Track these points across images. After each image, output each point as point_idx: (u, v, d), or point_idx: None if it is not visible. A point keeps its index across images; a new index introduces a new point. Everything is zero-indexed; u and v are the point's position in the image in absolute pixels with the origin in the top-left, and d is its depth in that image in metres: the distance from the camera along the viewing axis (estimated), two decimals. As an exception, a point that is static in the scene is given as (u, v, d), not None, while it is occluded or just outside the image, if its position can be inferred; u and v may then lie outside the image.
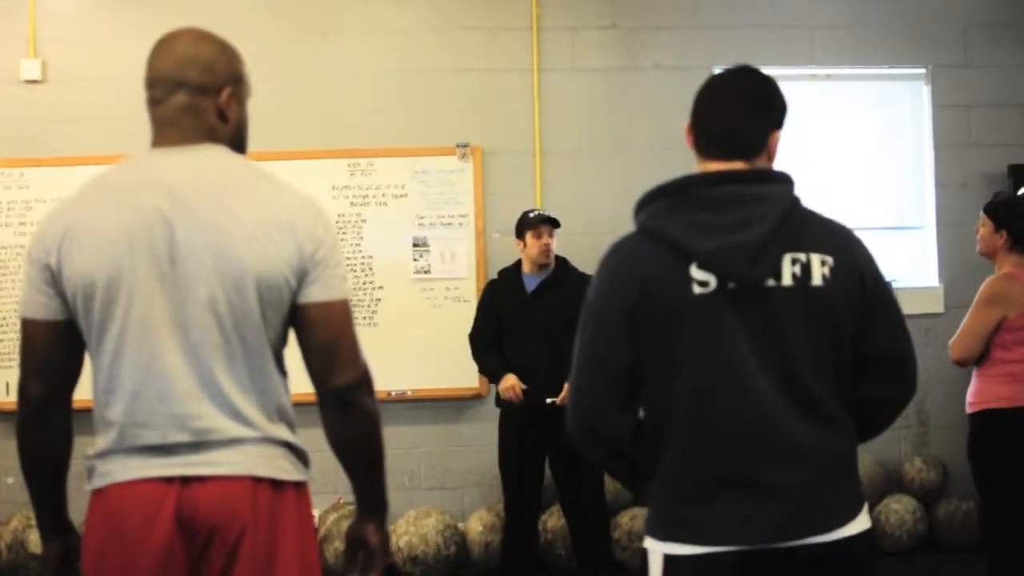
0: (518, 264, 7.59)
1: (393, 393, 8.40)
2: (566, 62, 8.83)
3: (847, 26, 9.00)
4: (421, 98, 8.71)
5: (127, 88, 7.63)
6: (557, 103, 8.82)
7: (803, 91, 9.11)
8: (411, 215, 8.62)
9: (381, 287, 8.50)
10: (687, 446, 3.08)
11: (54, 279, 3.05)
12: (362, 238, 8.49)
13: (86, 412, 3.12)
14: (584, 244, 8.20)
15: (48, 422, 3.17)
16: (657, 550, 3.14)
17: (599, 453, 3.30)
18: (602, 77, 8.87)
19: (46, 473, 3.25)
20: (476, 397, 8.59)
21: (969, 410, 6.08)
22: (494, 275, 8.10)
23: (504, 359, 7.56)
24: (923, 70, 9.15)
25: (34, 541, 7.89)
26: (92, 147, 8.19)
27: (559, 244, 7.56)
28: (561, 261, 7.54)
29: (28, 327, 3.12)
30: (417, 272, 8.60)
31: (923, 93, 9.19)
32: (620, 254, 3.25)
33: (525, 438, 7.36)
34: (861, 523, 3.12)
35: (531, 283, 7.47)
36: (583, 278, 7.37)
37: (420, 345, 8.40)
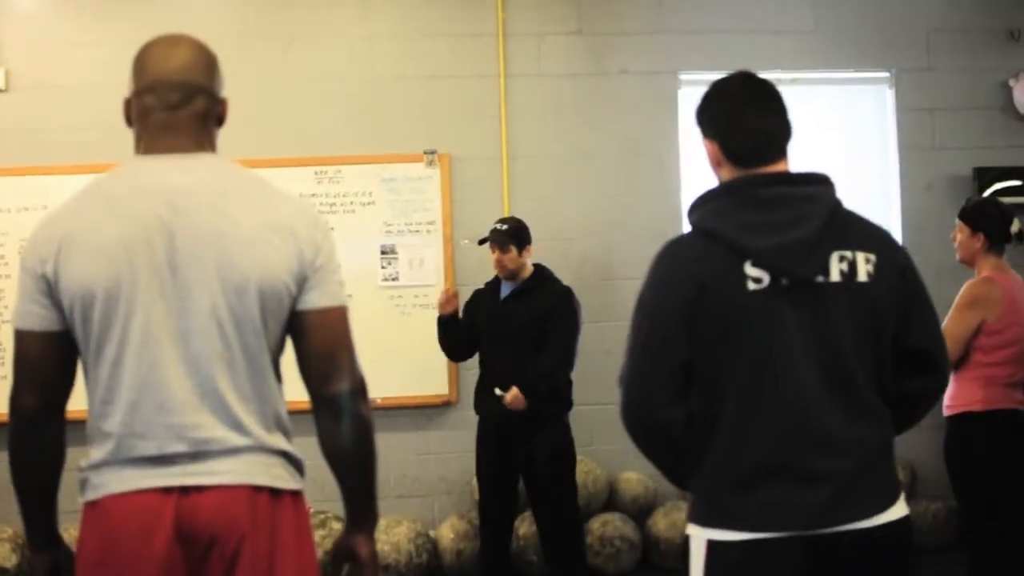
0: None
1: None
2: (533, 68, 8.84)
3: (812, 31, 9.05)
4: (388, 105, 8.71)
5: (92, 97, 7.62)
6: (524, 109, 8.82)
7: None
8: (379, 222, 8.62)
9: (349, 295, 8.18)
10: (735, 435, 3.21)
11: (50, 289, 3.03)
12: (330, 246, 8.39)
13: (78, 423, 3.10)
14: (553, 249, 8.23)
15: (41, 434, 3.14)
16: (701, 536, 3.27)
17: (651, 445, 3.43)
18: (569, 83, 8.89)
19: (38, 486, 3.22)
20: (446, 404, 8.60)
21: (946, 413, 6.06)
22: (462, 281, 8.23)
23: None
24: (887, 74, 9.21)
25: (1, 554, 7.85)
26: (57, 156, 8.17)
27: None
28: (538, 270, 7.53)
29: (22, 338, 3.10)
30: (385, 279, 8.60)
31: (887, 97, 9.25)
32: (675, 253, 3.37)
33: (498, 445, 7.36)
34: (900, 510, 3.27)
35: (505, 291, 7.49)
36: (559, 289, 7.37)
37: (389, 353, 8.36)
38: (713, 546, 3.23)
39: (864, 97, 9.30)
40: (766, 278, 3.17)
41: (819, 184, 3.31)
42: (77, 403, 3.15)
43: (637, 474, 8.60)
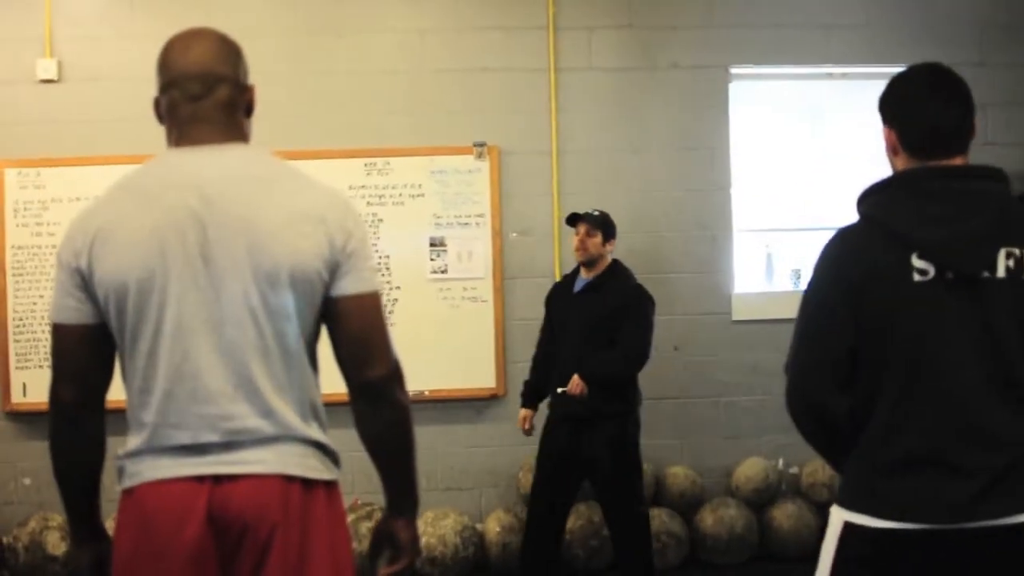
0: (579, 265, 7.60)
1: (410, 393, 8.31)
2: (583, 61, 8.82)
3: (863, 25, 8.98)
4: (438, 98, 8.71)
5: (143, 88, 7.69)
6: (574, 103, 8.80)
7: (819, 90, 9.12)
8: (428, 215, 8.61)
9: (398, 287, 8.50)
10: (889, 423, 3.23)
11: (85, 282, 3.06)
12: (379, 238, 8.46)
13: (117, 413, 3.12)
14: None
15: (81, 427, 3.18)
16: (839, 517, 3.31)
17: (815, 430, 3.44)
18: (619, 76, 8.86)
19: (79, 478, 3.26)
20: (493, 397, 8.60)
21: None
22: (511, 275, 8.31)
23: (537, 379, 7.63)
24: (939, 69, 9.11)
25: (51, 542, 7.92)
26: (108, 147, 8.22)
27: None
28: (614, 264, 7.47)
29: (59, 332, 3.13)
30: (434, 272, 8.60)
31: (940, 92, 9.12)
32: (845, 241, 3.39)
33: (562, 439, 7.31)
34: None
35: (580, 283, 7.46)
36: (630, 286, 7.33)
37: (437, 345, 8.39)
38: (849, 528, 3.26)
39: (916, 92, 9.21)
40: (932, 271, 3.19)
41: (991, 180, 3.32)
42: (116, 393, 3.17)
43: (684, 469, 8.58)
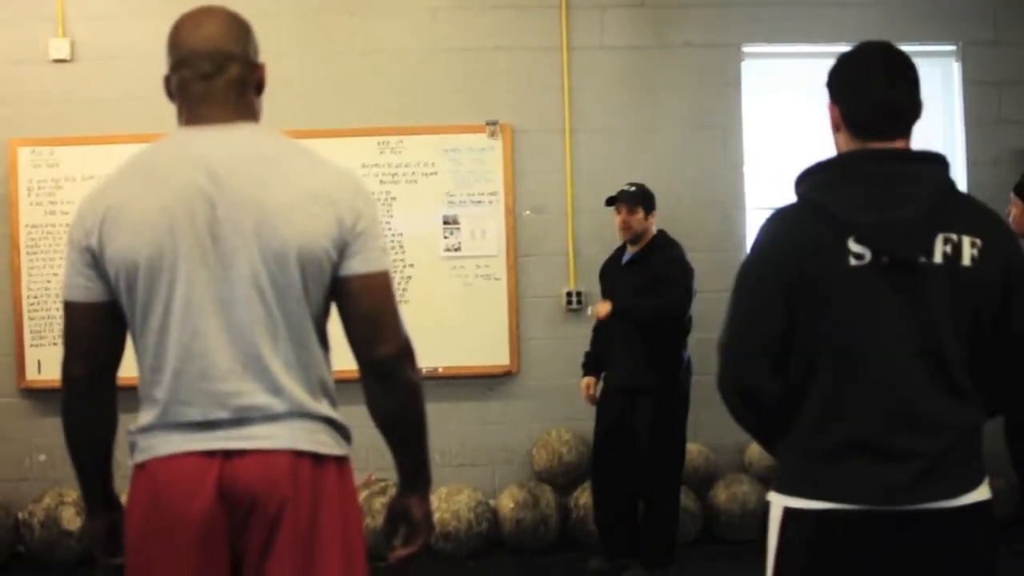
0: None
1: (424, 370, 8.30)
2: (595, 40, 8.82)
3: (876, 3, 8.95)
4: (450, 76, 8.72)
5: (155, 67, 7.70)
6: (587, 81, 8.81)
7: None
8: (441, 193, 8.64)
9: (411, 265, 8.53)
10: (824, 409, 3.21)
11: (95, 261, 3.07)
12: (392, 216, 8.51)
13: (129, 390, 3.15)
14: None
15: (92, 403, 3.20)
16: (779, 502, 3.30)
17: (747, 414, 3.43)
18: (632, 55, 8.86)
19: (91, 452, 3.29)
20: (507, 374, 8.65)
21: None
22: (524, 252, 8.45)
23: (596, 350, 7.82)
24: (953, 47, 9.10)
25: (67, 518, 7.96)
26: (121, 126, 8.25)
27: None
28: (658, 236, 7.61)
29: (70, 310, 3.15)
30: (447, 250, 8.63)
31: (954, 70, 9.15)
32: (779, 223, 3.35)
33: (608, 413, 7.50)
34: (982, 493, 3.21)
35: (626, 257, 7.63)
36: (671, 256, 7.47)
37: (451, 323, 8.44)
38: (789, 513, 3.25)
39: (930, 71, 9.17)
40: (868, 255, 3.14)
41: (933, 164, 3.28)
42: (127, 371, 3.19)
43: (698, 446, 8.58)
